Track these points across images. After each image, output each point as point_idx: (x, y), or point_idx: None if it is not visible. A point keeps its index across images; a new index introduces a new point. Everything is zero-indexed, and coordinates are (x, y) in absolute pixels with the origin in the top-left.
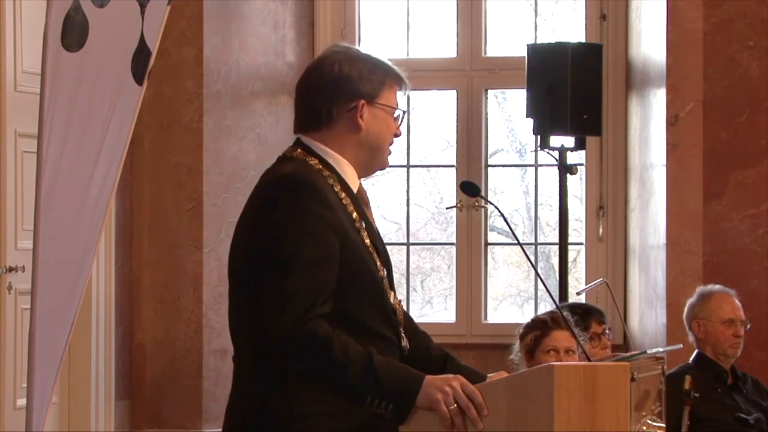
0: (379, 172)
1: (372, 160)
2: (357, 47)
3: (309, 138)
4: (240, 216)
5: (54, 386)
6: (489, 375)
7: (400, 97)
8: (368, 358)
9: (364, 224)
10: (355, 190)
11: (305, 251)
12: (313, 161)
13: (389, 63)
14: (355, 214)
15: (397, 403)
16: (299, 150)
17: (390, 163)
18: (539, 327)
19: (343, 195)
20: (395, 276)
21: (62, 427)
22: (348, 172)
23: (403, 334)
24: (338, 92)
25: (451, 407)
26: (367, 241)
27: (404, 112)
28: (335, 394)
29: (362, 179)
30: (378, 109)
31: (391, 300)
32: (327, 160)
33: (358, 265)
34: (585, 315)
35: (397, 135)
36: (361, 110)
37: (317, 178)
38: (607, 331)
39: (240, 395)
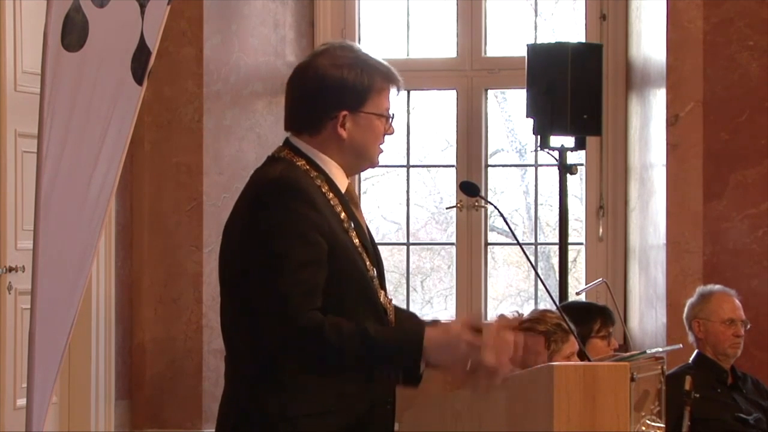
0: (379, 172)
1: (358, 163)
2: (350, 45)
3: (297, 138)
4: (229, 217)
5: (54, 386)
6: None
7: (393, 96)
8: (364, 332)
9: (352, 224)
10: (343, 191)
11: (295, 253)
12: (301, 162)
13: (381, 62)
14: (343, 215)
15: (406, 363)
16: (287, 150)
17: (388, 162)
18: (559, 331)
19: (330, 195)
20: (395, 276)
21: (62, 427)
22: (336, 172)
23: None
24: (321, 102)
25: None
26: (356, 241)
27: (392, 115)
28: (343, 375)
29: (352, 176)
30: (363, 117)
31: (382, 299)
32: (314, 160)
33: (346, 266)
34: (607, 314)
35: (388, 133)
36: (342, 121)
37: (304, 179)
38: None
39: (232, 395)
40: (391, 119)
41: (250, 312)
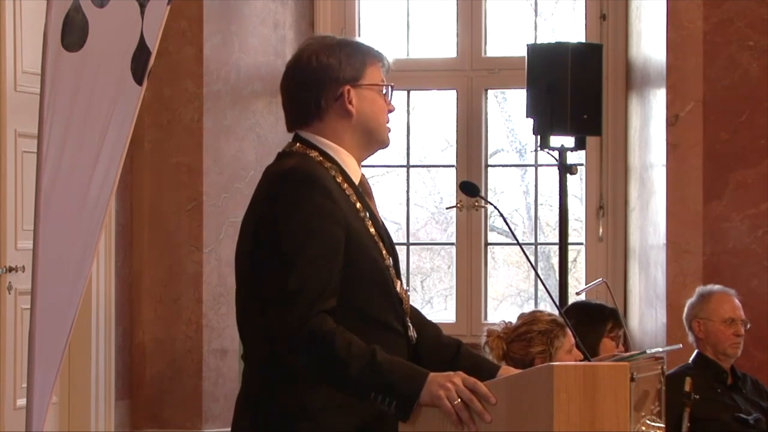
0: (379, 172)
1: (370, 141)
2: (331, 35)
3: (305, 132)
4: (245, 213)
5: (54, 386)
6: (502, 366)
7: (383, 72)
8: (372, 354)
9: (367, 214)
10: (357, 181)
11: (309, 246)
12: (314, 154)
13: (365, 43)
14: (358, 204)
15: (400, 400)
16: (298, 144)
17: (388, 162)
18: (556, 327)
19: (345, 186)
20: None
21: (62, 427)
22: (348, 162)
23: (410, 324)
24: (322, 83)
25: (455, 402)
26: (372, 230)
27: (391, 86)
28: (339, 390)
29: (365, 160)
30: (364, 89)
31: (398, 289)
32: (327, 151)
33: (363, 255)
34: (617, 315)
35: (390, 110)
36: (348, 96)
37: (319, 170)
38: None
39: (249, 392)
40: (390, 93)
41: (263, 307)
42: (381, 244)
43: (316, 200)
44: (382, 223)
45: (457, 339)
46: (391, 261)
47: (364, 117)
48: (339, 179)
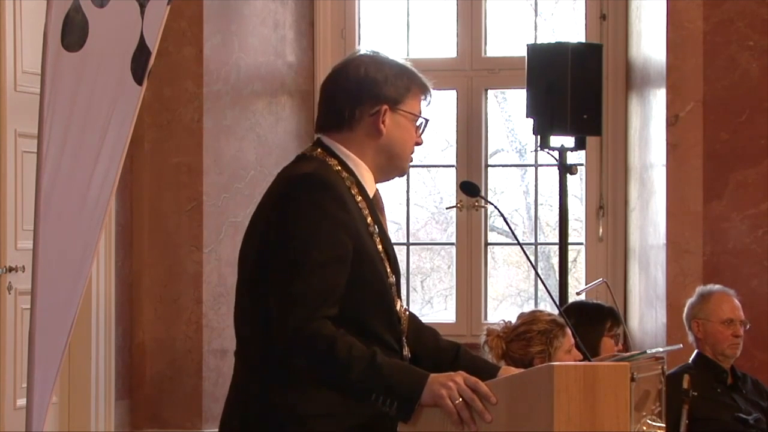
0: None
1: (390, 166)
2: (384, 53)
3: (329, 139)
4: (255, 210)
5: (54, 386)
6: (502, 367)
7: (424, 105)
8: (372, 356)
9: (377, 229)
10: (371, 195)
11: (317, 252)
12: (333, 162)
13: (415, 70)
14: (369, 219)
15: (402, 401)
16: (319, 150)
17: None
18: (556, 327)
19: (359, 198)
20: None
21: (62, 427)
22: (366, 176)
23: (405, 343)
24: (362, 95)
25: (456, 401)
26: (380, 246)
27: (426, 120)
28: (340, 392)
29: (380, 183)
30: (400, 116)
31: (398, 308)
32: (346, 162)
33: (368, 270)
34: (616, 314)
35: (418, 143)
36: (383, 116)
37: (336, 179)
38: None
39: (241, 392)
40: (423, 126)
41: (264, 308)
42: (387, 261)
43: (330, 208)
44: (390, 240)
45: (456, 342)
46: (394, 279)
47: (391, 141)
48: (354, 191)
